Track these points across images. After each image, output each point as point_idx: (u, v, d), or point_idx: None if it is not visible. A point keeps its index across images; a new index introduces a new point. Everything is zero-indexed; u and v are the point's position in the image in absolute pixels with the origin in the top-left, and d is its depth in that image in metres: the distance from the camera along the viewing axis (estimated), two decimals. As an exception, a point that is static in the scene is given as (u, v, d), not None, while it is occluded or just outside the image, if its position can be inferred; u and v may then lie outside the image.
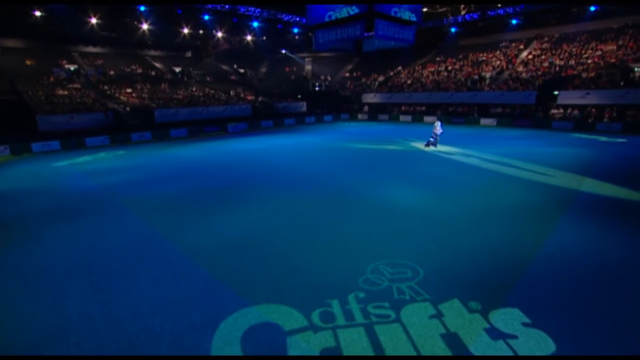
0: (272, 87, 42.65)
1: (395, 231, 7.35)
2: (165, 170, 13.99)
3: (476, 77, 32.57)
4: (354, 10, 15.36)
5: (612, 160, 13.75)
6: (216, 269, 5.97)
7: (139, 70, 36.20)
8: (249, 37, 42.17)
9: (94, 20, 30.42)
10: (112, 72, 33.58)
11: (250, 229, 7.60)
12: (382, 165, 13.96)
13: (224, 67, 44.73)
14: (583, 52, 29.03)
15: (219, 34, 39.83)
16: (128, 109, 27.07)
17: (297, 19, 33.80)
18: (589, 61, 27.28)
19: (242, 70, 45.08)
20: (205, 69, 41.66)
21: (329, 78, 46.67)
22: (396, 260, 6.10)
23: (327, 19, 16.14)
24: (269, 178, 12.18)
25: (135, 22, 33.12)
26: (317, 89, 44.10)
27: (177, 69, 39.40)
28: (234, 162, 15.42)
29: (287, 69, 48.11)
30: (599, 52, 27.81)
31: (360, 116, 37.61)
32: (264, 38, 44.95)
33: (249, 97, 35.60)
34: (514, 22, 33.12)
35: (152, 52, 41.39)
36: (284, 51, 48.26)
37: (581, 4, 26.14)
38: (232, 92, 35.40)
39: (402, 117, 34.50)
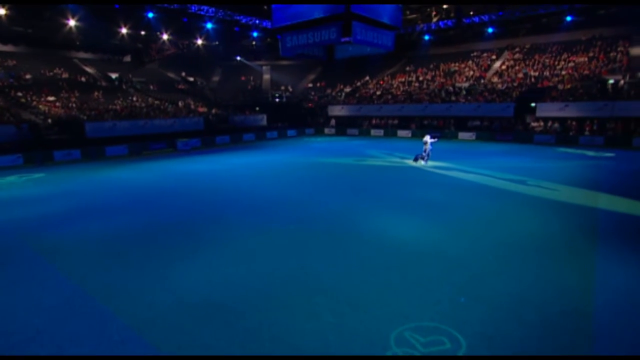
0: (226, 97, 41.34)
1: (408, 278, 6.42)
2: (99, 200, 12.17)
3: (451, 88, 33.50)
4: (328, 11, 14.78)
5: (613, 176, 14.08)
6: (181, 347, 4.61)
7: (65, 75, 33.34)
8: (199, 41, 40.64)
9: (1, 12, 27.20)
10: (28, 76, 30.49)
11: (220, 284, 6.29)
12: (368, 187, 13.34)
13: (171, 74, 42.75)
14: (556, 63, 30.91)
15: (165, 36, 37.92)
16: (50, 120, 24.44)
17: (257, 21, 33.10)
18: (563, 72, 29.00)
19: (191, 79, 43.36)
20: (148, 75, 39.42)
21: (290, 88, 46.26)
22: (424, 322, 5.13)
23: (297, 20, 15.39)
24: (235, 207, 10.89)
25: (60, 17, 30.30)
26: (277, 100, 43.42)
27: (114, 75, 36.87)
28: (188, 187, 13.92)
29: (243, 77, 47.11)
30: (571, 64, 29.72)
31: (327, 130, 37.32)
32: (217, 43, 43.70)
33: (201, 109, 34.00)
34: (490, 30, 34.73)
35: (82, 55, 38.50)
36: (238, 58, 47.27)
37: (558, 2, 27.88)
38: (180, 103, 33.59)
39: (373, 132, 34.56)
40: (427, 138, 17.32)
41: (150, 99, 32.96)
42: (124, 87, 35.13)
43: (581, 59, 29.62)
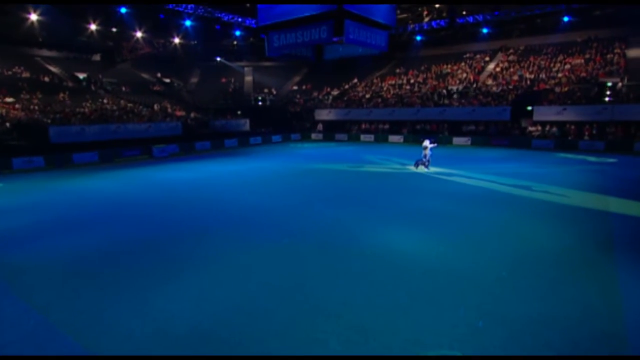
0: (206, 100, 40.83)
1: (418, 298, 6.15)
2: (66, 213, 11.55)
3: (444, 91, 33.82)
4: (319, 8, 14.62)
5: (619, 183, 14.28)
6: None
7: (26, 75, 32.28)
8: (177, 40, 40.15)
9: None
10: (-19, 75, 29.41)
11: (209, 310, 5.89)
12: (366, 196, 13.14)
13: (145, 75, 41.98)
14: (552, 65, 31.57)
15: (139, 34, 37.26)
16: (8, 124, 23.48)
17: (240, 19, 32.79)
18: (560, 75, 29.62)
19: (167, 80, 42.71)
20: (119, 76, 38.58)
21: (274, 91, 46.06)
22: (442, 351, 4.84)
23: (285, 18, 15.18)
24: (221, 220, 10.48)
25: (20, 11, 29.21)
26: (260, 103, 43.14)
27: (82, 75, 35.90)
28: (167, 197, 13.43)
29: (224, 79, 46.68)
30: (567, 66, 30.39)
31: (313, 135, 37.21)
32: (195, 42, 43.26)
33: (179, 113, 33.41)
34: (485, 30, 35.32)
35: (46, 53, 37.36)
36: (219, 59, 46.88)
37: (555, 2, 28.56)
38: (156, 106, 32.93)
39: (363, 137, 34.59)
40: (427, 143, 17.45)
41: (122, 102, 32.20)
42: (93, 88, 34.25)
43: (577, 61, 30.32)
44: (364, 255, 7.93)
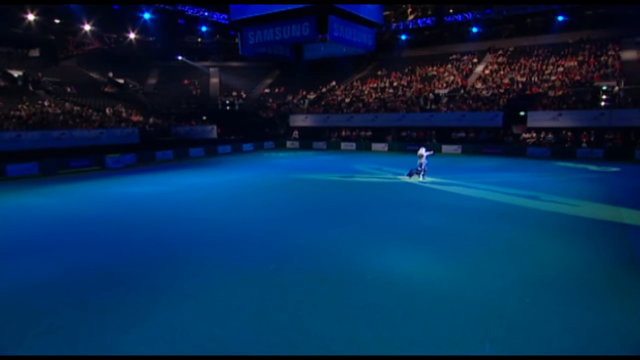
0: (166, 104, 40.04)
1: (434, 332, 5.83)
2: None
3: (431, 95, 34.32)
4: (300, 2, 14.43)
5: (628, 193, 14.71)
6: None
7: (-54, 72, 30.58)
8: (132, 35, 39.11)
9: None
10: None
11: (187, 354, 5.35)
12: (357, 210, 12.91)
13: (94, 74, 40.64)
14: (544, 67, 32.64)
15: (87, 27, 36.02)
16: None
17: (206, 13, 32.27)
18: (553, 78, 30.63)
19: (121, 81, 41.53)
20: (63, 75, 37.10)
21: (244, 94, 45.67)
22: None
23: (262, 12, 14.90)
24: (194, 243, 9.91)
25: None
26: (228, 108, 42.67)
27: (17, 73, 34.16)
28: (126, 216, 12.70)
29: (186, 81, 45.98)
30: (561, 69, 31.49)
31: (289, 144, 37.08)
32: (153, 38, 42.42)
33: (135, 118, 32.45)
34: (474, 29, 36.22)
35: (-30, 46, 35.62)
36: (180, 57, 46.15)
37: (548, 2, 29.66)
38: (108, 110, 31.84)
39: (343, 145, 34.67)
40: (423, 151, 17.64)
41: (67, 104, 30.93)
42: (30, 88, 32.69)
43: (571, 63, 31.49)
44: (364, 282, 7.58)
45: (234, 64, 48.83)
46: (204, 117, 38.39)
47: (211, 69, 47.67)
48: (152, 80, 46.00)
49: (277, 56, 19.71)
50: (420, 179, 17.79)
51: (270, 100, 43.83)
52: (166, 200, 15.08)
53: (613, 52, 30.60)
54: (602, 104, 26.30)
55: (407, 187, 16.98)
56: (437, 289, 7.28)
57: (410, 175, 18.15)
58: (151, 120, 33.57)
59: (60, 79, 36.01)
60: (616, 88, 26.29)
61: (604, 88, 26.61)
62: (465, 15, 32.18)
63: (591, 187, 16.08)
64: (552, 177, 18.74)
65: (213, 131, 35.65)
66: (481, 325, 6.04)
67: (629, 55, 29.87)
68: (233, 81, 46.87)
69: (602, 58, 30.44)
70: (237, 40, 44.08)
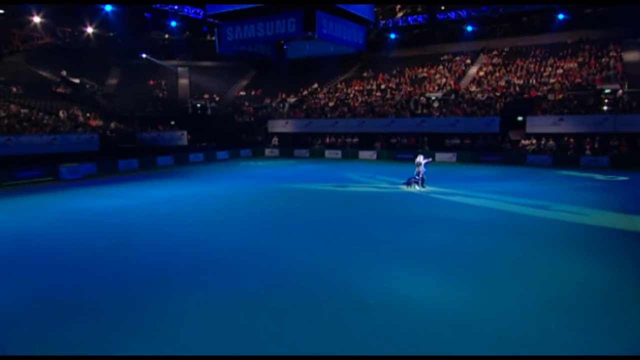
0: (130, 107, 39.34)
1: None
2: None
3: (422, 98, 34.66)
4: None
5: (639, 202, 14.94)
6: None
7: None
8: (90, 29, 38.35)
9: None
10: None
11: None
12: (352, 224, 12.88)
13: (44, 73, 39.60)
14: (542, 69, 33.40)
15: (37, 19, 35.06)
16: None
17: (176, 7, 31.90)
18: (552, 80, 31.32)
19: (76, 80, 40.61)
20: (8, 73, 35.91)
21: (217, 97, 45.30)
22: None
23: (243, 6, 14.78)
24: (171, 264, 9.55)
25: None
26: (199, 112, 42.29)
27: (-49, 71, 33.22)
28: (89, 235, 12.23)
29: (152, 81, 45.25)
30: (560, 70, 32.26)
31: (268, 151, 36.99)
32: (113, 33, 41.77)
33: (94, 123, 31.72)
34: (469, 28, 36.86)
35: None
36: (145, 55, 45.51)
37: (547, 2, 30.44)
38: (62, 114, 31.03)
39: (328, 153, 34.73)
40: (421, 159, 17.95)
41: (13, 106, 29.92)
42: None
43: (570, 65, 32.30)
44: (368, 308, 7.38)
45: (206, 63, 48.45)
46: (173, 122, 37.84)
47: (180, 69, 47.12)
48: (112, 81, 45.04)
49: (258, 55, 19.65)
50: (419, 188, 18.12)
51: (247, 103, 43.56)
52: (134, 216, 14.62)
53: (615, 53, 31.52)
54: (605, 108, 26.97)
55: (405, 198, 17.07)
56: (450, 314, 7.13)
57: (408, 184, 18.54)
58: (112, 125, 32.86)
59: (4, 78, 34.90)
60: (620, 91, 27.00)
61: (607, 91, 27.32)
62: (460, 12, 32.73)
63: (601, 197, 16.42)
64: (557, 186, 19.09)
65: (183, 137, 35.15)
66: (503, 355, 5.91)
67: (631, 56, 30.80)
68: (204, 82, 46.42)
69: (604, 59, 31.30)
70: (211, 37, 43.89)
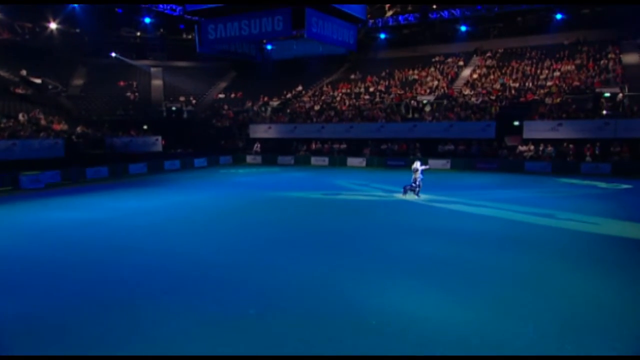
0: (98, 110, 39.00)
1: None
2: None
3: (413, 102, 34.92)
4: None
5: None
6: None
7: None
8: (53, 25, 37.78)
9: None
10: None
11: None
12: (348, 236, 12.91)
13: (1, 72, 38.78)
14: (538, 71, 33.99)
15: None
16: None
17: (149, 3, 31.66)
18: (549, 83, 31.89)
19: (38, 80, 39.89)
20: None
21: (194, 100, 45.02)
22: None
23: (227, 2, 14.67)
24: (149, 283, 9.31)
25: None
26: (174, 115, 42.01)
27: None
28: (54, 251, 11.93)
29: (123, 82, 44.80)
30: (557, 73, 32.90)
31: (249, 158, 36.97)
32: (80, 30, 41.28)
33: (58, 127, 31.32)
34: (463, 28, 37.34)
35: None
36: (114, 54, 45.01)
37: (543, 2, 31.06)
38: (22, 117, 30.55)
39: (314, 160, 34.76)
40: (418, 165, 18.05)
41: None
42: None
43: (567, 67, 32.99)
44: (370, 328, 7.25)
45: (181, 63, 48.21)
46: (145, 127, 37.56)
47: (153, 69, 46.77)
48: (78, 81, 44.30)
49: (241, 55, 19.52)
50: (416, 196, 18.31)
51: (226, 107, 43.41)
52: (105, 230, 14.27)
53: (613, 55, 32.26)
54: (604, 112, 27.47)
55: (402, 206, 17.19)
56: (460, 335, 7.03)
57: (405, 192, 18.70)
58: (79, 129, 32.45)
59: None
60: (620, 95, 27.55)
61: (606, 95, 27.85)
62: (453, 11, 33.13)
63: (606, 205, 16.73)
64: (559, 194, 19.44)
65: (157, 143, 34.82)
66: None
67: (630, 59, 31.53)
68: (180, 84, 46.13)
69: (602, 62, 32.01)
70: (187, 35, 43.56)
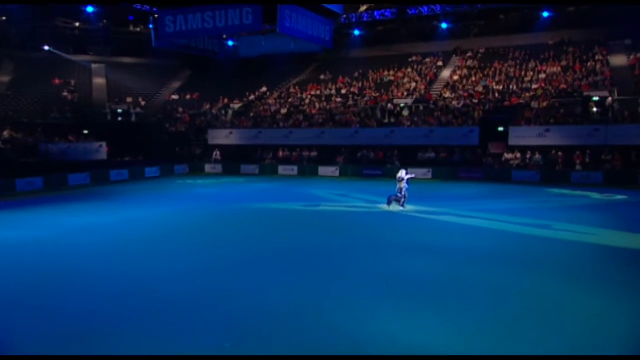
0: (28, 112, 38.14)
1: None
2: None
3: (390, 105, 35.34)
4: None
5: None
6: None
7: None
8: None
9: None
10: None
11: None
12: (331, 253, 12.92)
13: None
14: (523, 73, 35.03)
15: None
16: None
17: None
18: (535, 86, 32.92)
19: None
20: None
21: (143, 102, 44.38)
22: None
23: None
24: (104, 314, 8.92)
25: None
26: (121, 119, 41.52)
27: None
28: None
29: (58, 80, 43.75)
30: (543, 75, 33.98)
31: (209, 167, 36.74)
32: (4, 18, 40.13)
33: (-21, 131, 30.37)
34: (444, 25, 38.10)
35: None
36: (48, 48, 43.87)
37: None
38: None
39: (282, 169, 34.76)
40: (403, 174, 18.27)
41: None
42: None
43: (553, 69, 34.15)
44: (364, 361, 7.16)
45: (128, 59, 47.52)
46: (86, 132, 36.93)
47: (94, 66, 45.84)
48: (4, 78, 43.07)
49: (202, 51, 19.29)
50: (401, 207, 18.54)
51: (181, 109, 43.04)
52: (43, 251, 13.71)
53: (600, 57, 33.60)
54: (593, 117, 28.43)
55: (387, 219, 17.33)
56: (465, 365, 7.03)
57: (389, 203, 18.91)
58: (6, 133, 31.77)
59: None
60: (609, 99, 28.59)
61: (595, 99, 28.87)
62: (433, 7, 33.74)
63: (603, 217, 17.22)
64: (551, 204, 20.06)
65: (101, 150, 34.25)
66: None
67: (618, 60, 32.89)
68: (127, 83, 45.60)
69: (589, 64, 33.29)
70: (135, 27, 42.88)
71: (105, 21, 42.42)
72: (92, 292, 10.35)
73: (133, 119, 41.66)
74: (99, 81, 45.25)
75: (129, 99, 43.62)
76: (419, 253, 12.99)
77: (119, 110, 41.60)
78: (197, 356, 5.74)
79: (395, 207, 18.66)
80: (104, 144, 34.29)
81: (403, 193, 18.36)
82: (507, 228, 15.54)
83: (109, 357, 5.50)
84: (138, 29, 45.19)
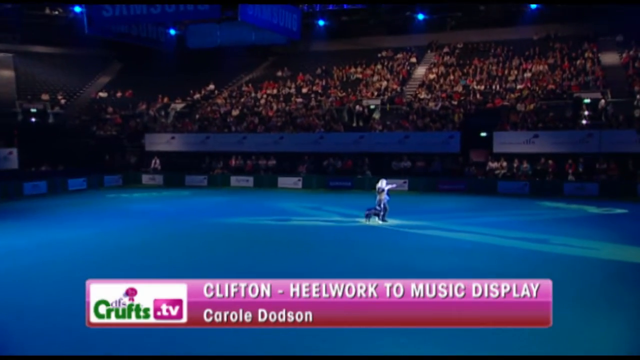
0: None
1: None
2: None
3: (358, 107, 35.44)
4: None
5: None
6: None
7: None
8: None
9: None
10: None
11: None
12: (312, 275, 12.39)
13: None
14: (506, 72, 35.81)
15: None
16: None
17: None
18: (520, 86, 33.68)
19: None
20: None
21: (63, 100, 43.12)
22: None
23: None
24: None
25: None
26: (34, 120, 40.51)
27: None
28: None
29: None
30: (528, 74, 34.82)
31: (147, 178, 36.19)
32: None
33: None
34: (420, 17, 38.62)
35: None
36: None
37: None
38: None
39: (234, 180, 34.51)
40: (383, 184, 18.40)
41: None
42: None
43: (539, 67, 35.08)
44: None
45: (43, 48, 46.38)
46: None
47: (0, 54, 44.40)
48: None
49: (144, 41, 18.93)
50: (380, 221, 18.67)
51: (111, 109, 42.04)
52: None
53: (590, 54, 34.75)
54: (584, 122, 29.21)
55: (368, 236, 17.31)
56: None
57: (368, 217, 19.03)
58: None
59: None
60: (602, 101, 29.48)
61: (587, 101, 29.70)
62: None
63: (608, 233, 17.41)
64: (544, 220, 20.39)
65: (11, 158, 33.13)
66: None
67: (610, 59, 34.09)
68: (42, 76, 44.64)
69: (579, 62, 34.33)
70: (53, 10, 41.68)
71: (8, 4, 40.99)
72: (20, 328, 9.81)
73: (51, 120, 40.65)
74: (6, 74, 44.00)
75: (45, 96, 42.26)
76: (409, 277, 12.91)
77: (33, 110, 40.42)
78: (197, 356, 6.31)
79: (374, 222, 18.75)
80: (13, 151, 33.13)
81: (383, 205, 18.44)
82: (502, 243, 15.78)
83: (109, 357, 5.99)
84: (56, 12, 43.45)
